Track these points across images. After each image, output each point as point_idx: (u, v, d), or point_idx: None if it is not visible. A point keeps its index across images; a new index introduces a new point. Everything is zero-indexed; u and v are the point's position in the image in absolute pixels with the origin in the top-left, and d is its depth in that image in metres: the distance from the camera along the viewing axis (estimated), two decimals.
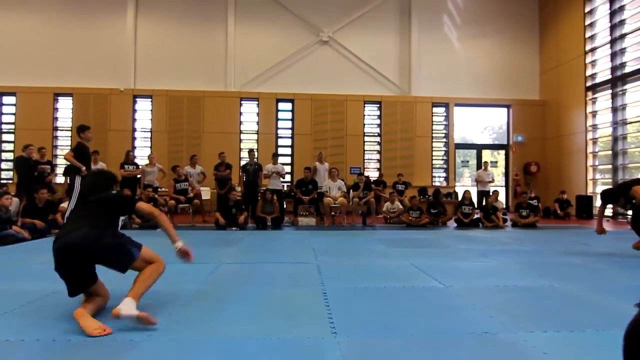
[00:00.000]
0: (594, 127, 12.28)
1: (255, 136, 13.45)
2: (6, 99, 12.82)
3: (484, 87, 13.90)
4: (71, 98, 12.76)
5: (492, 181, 11.52)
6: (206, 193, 11.07)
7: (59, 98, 12.86)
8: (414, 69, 13.68)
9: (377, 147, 13.75)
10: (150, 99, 13.10)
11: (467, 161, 15.08)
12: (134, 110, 13.08)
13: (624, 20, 11.34)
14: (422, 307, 2.99)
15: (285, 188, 11.28)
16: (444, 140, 14.00)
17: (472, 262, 4.80)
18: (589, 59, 12.35)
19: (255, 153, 10.77)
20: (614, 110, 11.54)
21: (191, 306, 2.97)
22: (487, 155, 15.27)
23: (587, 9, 12.42)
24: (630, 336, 0.57)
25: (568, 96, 12.99)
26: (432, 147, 13.80)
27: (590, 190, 12.19)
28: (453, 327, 2.58)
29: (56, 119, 12.89)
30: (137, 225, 8.05)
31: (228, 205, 8.35)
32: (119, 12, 13.04)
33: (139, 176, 9.71)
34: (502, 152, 14.66)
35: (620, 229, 9.00)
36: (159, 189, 9.92)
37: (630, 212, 6.15)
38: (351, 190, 9.92)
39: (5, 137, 12.96)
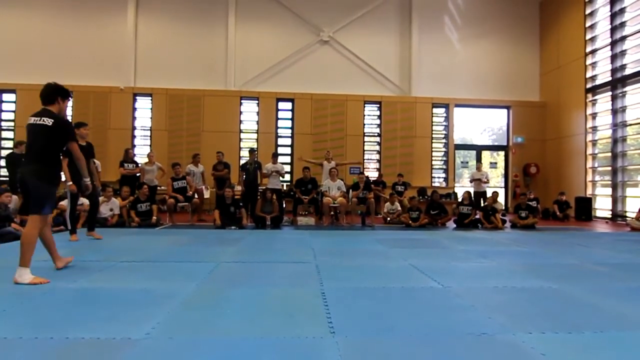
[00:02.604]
0: (594, 129, 12.29)
1: (255, 135, 13.45)
2: (6, 96, 12.81)
3: (484, 88, 13.91)
4: (71, 96, 12.74)
5: (487, 182, 11.42)
6: (206, 192, 11.05)
7: None
8: (414, 70, 13.68)
9: (377, 147, 13.76)
10: (150, 98, 13.09)
11: (467, 162, 15.08)
12: (134, 109, 13.07)
13: (624, 22, 11.35)
14: (421, 307, 2.99)
15: (285, 187, 11.28)
16: (444, 140, 14.01)
17: (471, 263, 4.80)
18: (589, 60, 12.36)
19: (256, 152, 10.75)
20: (614, 112, 11.55)
21: (190, 305, 2.96)
22: (486, 156, 15.27)
23: (587, 11, 12.43)
24: None
25: (568, 98, 13.00)
26: (431, 147, 13.80)
27: (589, 192, 12.20)
28: (452, 327, 2.58)
29: None
30: (135, 225, 8.05)
31: (226, 204, 8.35)
32: (119, 10, 13.04)
33: (138, 174, 9.71)
34: (502, 153, 14.67)
35: (619, 231, 9.01)
36: (158, 188, 9.92)
37: None
38: (350, 190, 9.92)
39: (5, 134, 12.96)
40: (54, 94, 3.84)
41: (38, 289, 3.28)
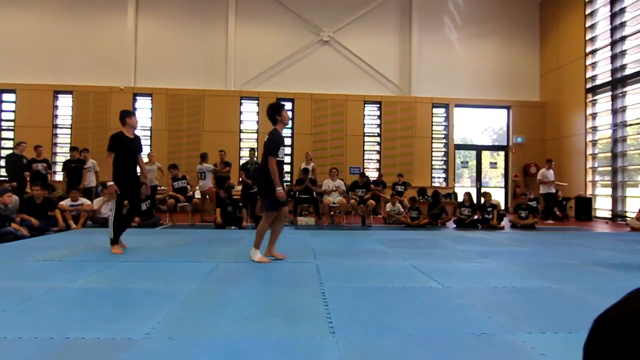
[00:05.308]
0: (594, 129, 12.29)
1: (255, 135, 13.44)
2: (6, 96, 12.80)
3: (484, 88, 13.90)
4: (71, 96, 12.74)
5: (554, 182, 11.24)
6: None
7: (59, 95, 12.84)
8: (414, 70, 13.68)
9: (377, 147, 13.75)
10: (150, 97, 13.09)
11: (467, 162, 15.08)
12: (134, 109, 13.04)
13: (624, 22, 11.34)
14: (421, 307, 2.99)
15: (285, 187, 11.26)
16: (444, 140, 14.00)
17: (471, 263, 4.80)
18: (589, 60, 12.35)
19: (256, 152, 10.75)
20: (614, 112, 11.54)
21: (190, 305, 2.96)
22: (486, 156, 15.26)
23: (587, 11, 12.42)
24: (587, 347, 0.54)
25: (568, 98, 12.99)
26: (431, 147, 13.80)
27: (589, 192, 12.20)
28: (452, 327, 2.58)
29: (56, 116, 12.87)
30: (135, 225, 8.04)
31: (225, 203, 8.35)
32: (119, 10, 13.03)
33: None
34: (502, 153, 14.67)
35: (619, 231, 9.01)
36: (158, 188, 9.92)
37: None
38: (349, 192, 9.92)
39: (4, 134, 12.96)
40: (272, 116, 4.62)
41: (38, 289, 3.28)
